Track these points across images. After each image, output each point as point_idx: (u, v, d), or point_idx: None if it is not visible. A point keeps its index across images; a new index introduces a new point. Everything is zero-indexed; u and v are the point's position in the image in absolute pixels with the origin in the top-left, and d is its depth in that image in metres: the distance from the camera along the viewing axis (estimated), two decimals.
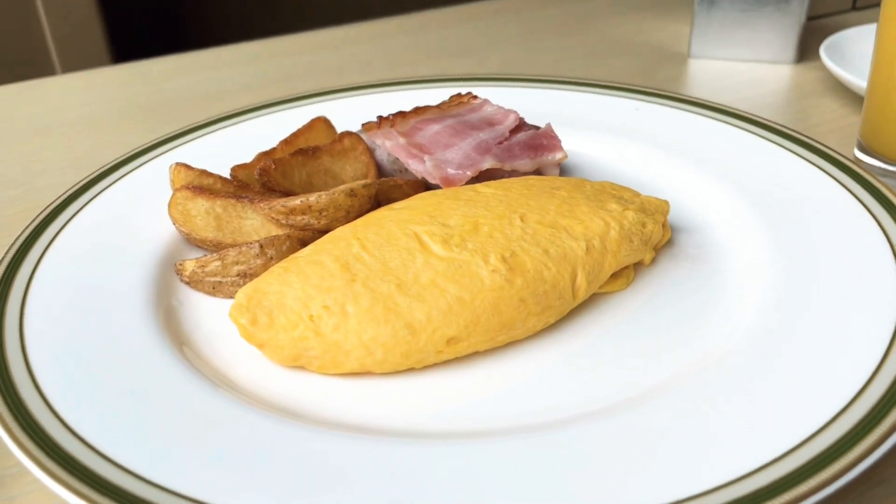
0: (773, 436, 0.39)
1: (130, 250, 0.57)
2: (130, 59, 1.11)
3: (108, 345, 0.48)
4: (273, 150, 0.65)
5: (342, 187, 0.55)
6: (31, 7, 1.81)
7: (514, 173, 0.61)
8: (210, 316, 0.53)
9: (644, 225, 0.54)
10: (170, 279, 0.56)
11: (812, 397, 0.41)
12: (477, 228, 0.50)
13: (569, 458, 0.39)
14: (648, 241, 0.54)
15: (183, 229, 0.57)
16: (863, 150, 0.68)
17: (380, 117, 0.66)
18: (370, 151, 0.64)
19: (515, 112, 0.66)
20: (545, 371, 0.47)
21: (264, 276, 0.49)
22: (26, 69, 1.80)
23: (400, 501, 0.37)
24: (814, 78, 0.90)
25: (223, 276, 0.54)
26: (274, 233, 0.56)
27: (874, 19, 0.78)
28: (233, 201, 0.58)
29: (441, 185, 0.59)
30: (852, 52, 0.86)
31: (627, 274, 0.54)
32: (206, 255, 0.55)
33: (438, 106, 0.69)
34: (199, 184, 0.60)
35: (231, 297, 0.54)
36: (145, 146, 0.71)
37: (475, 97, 0.69)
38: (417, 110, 0.67)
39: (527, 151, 0.62)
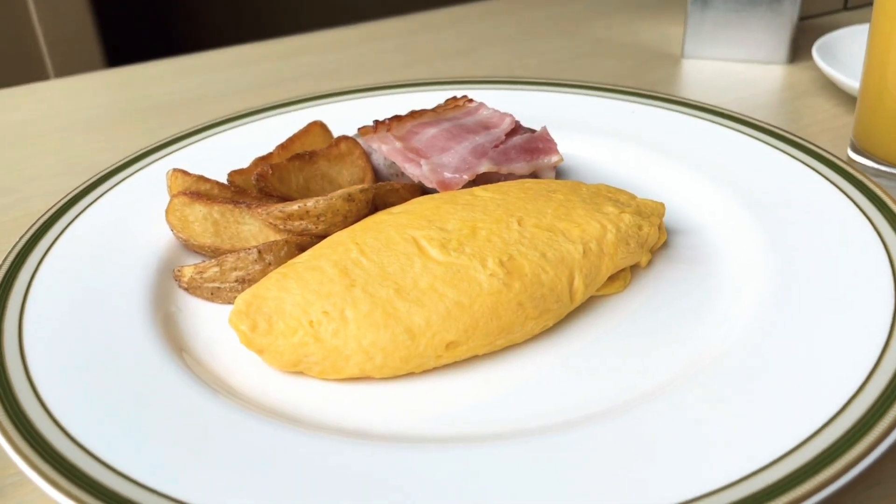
0: (770, 438, 0.39)
1: (128, 257, 0.57)
2: (124, 63, 1.11)
3: (107, 352, 0.48)
4: (270, 154, 0.65)
5: (340, 192, 0.55)
6: (24, 10, 1.81)
7: (510, 176, 0.61)
8: (209, 322, 0.53)
9: (640, 227, 0.54)
10: (168, 286, 0.56)
11: (808, 399, 0.41)
12: (475, 232, 0.51)
13: (568, 461, 0.39)
14: (645, 244, 0.54)
15: (181, 235, 0.57)
16: (856, 150, 0.68)
17: (376, 121, 0.66)
18: (367, 156, 0.64)
19: (511, 115, 0.66)
20: (544, 374, 0.48)
21: (263, 281, 0.50)
22: (19, 73, 1.79)
23: None
24: (806, 78, 0.91)
25: (222, 282, 0.54)
26: (272, 238, 0.56)
27: (866, 19, 0.78)
28: (230, 207, 0.58)
29: (438, 189, 0.59)
30: (844, 53, 0.87)
31: (624, 276, 0.54)
32: (204, 261, 0.55)
33: (434, 109, 0.69)
34: (197, 189, 0.60)
35: (230, 303, 0.54)
36: (141, 151, 0.71)
37: (471, 100, 0.69)
38: (413, 114, 0.67)
39: (523, 154, 0.62)
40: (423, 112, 0.68)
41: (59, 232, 0.59)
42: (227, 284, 0.54)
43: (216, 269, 0.54)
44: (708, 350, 0.48)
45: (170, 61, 1.09)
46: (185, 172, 0.61)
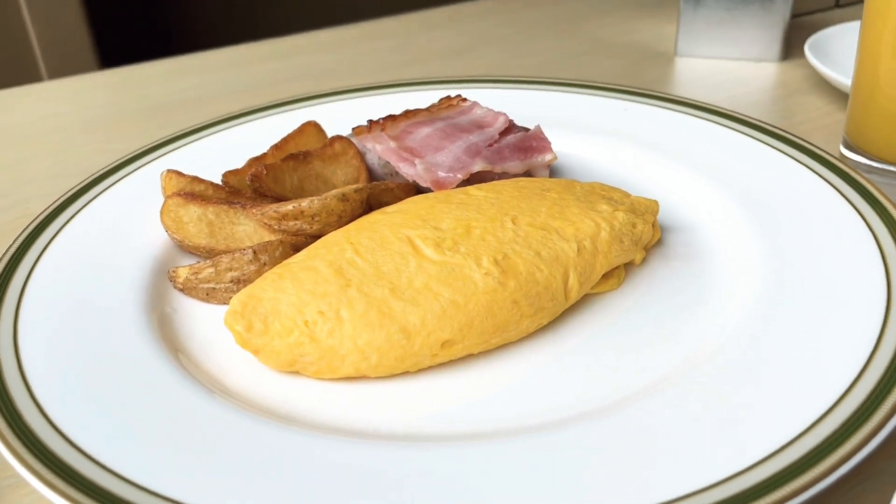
0: (763, 434, 0.39)
1: (123, 258, 0.57)
2: (117, 64, 1.10)
3: (103, 353, 0.48)
4: (264, 155, 0.65)
5: (334, 192, 0.55)
6: (16, 11, 1.80)
7: (504, 175, 0.62)
8: (204, 322, 0.53)
9: (634, 225, 0.54)
10: (163, 286, 0.56)
11: (801, 395, 0.41)
12: (469, 231, 0.51)
13: (563, 459, 0.39)
14: (639, 242, 0.55)
15: (175, 236, 0.58)
16: (848, 147, 0.68)
17: (370, 121, 0.66)
18: (361, 155, 0.65)
19: (505, 114, 0.66)
20: (539, 372, 0.48)
21: (258, 282, 0.50)
22: (12, 75, 1.79)
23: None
24: (799, 75, 0.91)
25: (217, 283, 0.54)
26: (266, 238, 0.56)
27: (857, 16, 0.79)
28: (225, 207, 0.58)
29: (432, 188, 0.59)
30: (836, 50, 0.87)
31: (618, 274, 0.55)
32: (199, 262, 0.55)
33: (428, 109, 0.69)
34: (191, 190, 0.60)
35: (225, 304, 0.54)
36: (135, 153, 0.71)
37: (464, 100, 0.70)
38: (407, 114, 0.67)
39: (517, 153, 0.62)
40: (417, 111, 0.68)
41: (54, 233, 0.59)
42: (223, 285, 0.54)
43: (211, 269, 0.54)
44: (702, 347, 0.48)
45: (165, 62, 1.09)
46: (179, 173, 0.61)
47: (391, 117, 0.67)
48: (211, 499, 0.38)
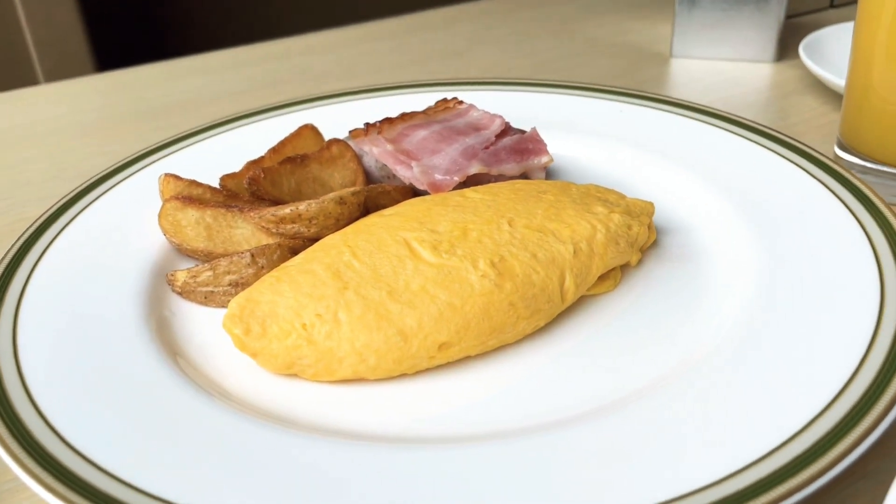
0: (760, 433, 0.39)
1: (121, 262, 0.57)
2: (114, 67, 1.11)
3: (102, 357, 0.48)
4: (261, 158, 0.65)
5: (331, 195, 0.56)
6: (12, 14, 1.80)
7: (500, 178, 0.62)
8: (203, 325, 0.53)
9: (630, 227, 0.55)
10: (161, 290, 0.56)
11: (797, 394, 0.42)
12: (466, 234, 0.51)
13: (560, 460, 0.40)
14: (634, 243, 0.55)
15: (173, 240, 0.58)
16: (842, 147, 0.69)
17: (367, 124, 0.67)
18: (358, 158, 0.65)
19: (501, 116, 0.67)
20: (536, 374, 0.48)
21: (256, 285, 0.50)
22: (7, 78, 1.79)
23: None
24: (793, 76, 0.92)
25: (215, 286, 0.54)
26: (264, 241, 0.56)
27: (851, 17, 0.79)
28: (223, 211, 0.58)
29: (429, 191, 0.60)
30: (831, 51, 0.88)
31: (614, 276, 0.55)
32: (197, 266, 0.55)
33: (425, 112, 0.69)
34: (189, 194, 0.60)
35: (223, 307, 0.54)
36: (133, 157, 0.71)
37: (461, 102, 0.70)
38: (404, 116, 0.68)
39: (513, 156, 0.63)
40: (413, 114, 0.68)
41: (52, 237, 0.59)
42: (221, 288, 0.54)
43: (209, 272, 0.54)
44: (697, 347, 0.48)
45: (161, 65, 1.09)
46: (176, 177, 0.61)
47: (388, 120, 0.67)
48: (209, 500, 0.38)
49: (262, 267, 0.54)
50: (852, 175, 0.60)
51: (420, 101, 0.78)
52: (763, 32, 0.94)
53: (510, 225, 0.52)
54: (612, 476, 0.38)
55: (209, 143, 0.74)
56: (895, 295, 0.48)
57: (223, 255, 0.55)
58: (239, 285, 0.54)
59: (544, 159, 0.63)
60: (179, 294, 0.55)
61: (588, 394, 0.46)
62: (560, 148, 0.70)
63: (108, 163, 0.76)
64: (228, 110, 0.89)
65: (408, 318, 0.47)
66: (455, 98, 0.70)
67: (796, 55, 0.95)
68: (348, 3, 2.18)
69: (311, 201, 0.55)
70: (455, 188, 0.59)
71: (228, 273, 0.54)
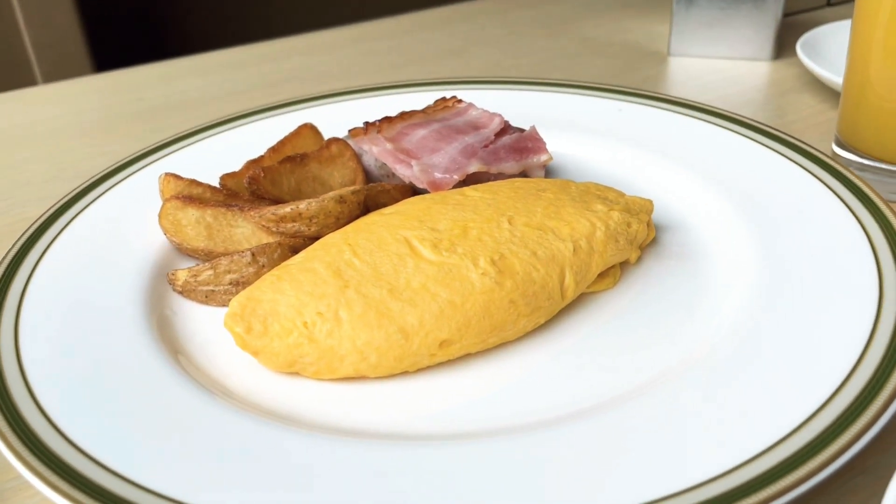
0: (758, 428, 0.40)
1: (122, 261, 0.57)
2: (112, 67, 1.11)
3: (103, 356, 0.48)
4: (261, 157, 0.65)
5: (331, 194, 0.56)
6: (10, 14, 1.80)
7: (500, 176, 0.62)
8: (204, 324, 0.53)
9: (629, 225, 0.55)
10: (162, 289, 0.56)
11: (796, 391, 0.42)
12: (466, 232, 0.51)
13: (560, 457, 0.40)
14: (634, 241, 0.55)
15: (174, 239, 0.58)
16: (840, 145, 0.69)
17: (366, 123, 0.67)
18: (357, 157, 0.65)
19: (500, 115, 0.67)
20: (536, 371, 0.48)
21: (257, 284, 0.50)
22: (6, 79, 1.79)
23: (396, 503, 0.38)
24: (791, 74, 0.92)
25: (216, 285, 0.54)
26: (265, 240, 0.57)
27: (849, 15, 0.79)
28: (223, 210, 0.58)
29: (429, 190, 0.60)
30: (828, 49, 0.88)
31: (614, 273, 0.55)
32: (198, 265, 0.55)
33: (424, 110, 0.69)
34: (189, 193, 0.60)
35: (224, 306, 0.54)
36: (133, 156, 0.71)
37: (460, 101, 0.70)
38: (403, 115, 0.68)
39: (512, 154, 0.63)
40: (412, 113, 0.68)
41: (52, 237, 0.59)
42: (222, 287, 0.54)
43: (210, 272, 0.54)
44: (697, 344, 0.48)
45: (160, 65, 1.09)
46: (177, 176, 0.61)
47: (387, 119, 0.67)
48: (210, 498, 0.38)
49: (263, 266, 0.54)
50: (850, 172, 0.60)
51: (419, 100, 0.78)
52: (760, 31, 0.94)
53: (510, 223, 0.52)
54: (613, 472, 0.38)
55: (209, 142, 0.74)
56: (894, 290, 0.48)
57: (224, 255, 0.55)
58: (240, 284, 0.54)
59: (543, 157, 0.63)
60: (180, 293, 0.55)
61: (588, 391, 0.46)
62: (559, 146, 0.70)
63: (107, 163, 0.76)
64: (228, 110, 0.89)
65: (409, 316, 0.47)
66: (454, 97, 0.71)
67: (794, 53, 0.96)
68: (347, 3, 2.18)
69: (312, 200, 0.55)
70: (454, 187, 0.60)
71: (229, 272, 0.54)
